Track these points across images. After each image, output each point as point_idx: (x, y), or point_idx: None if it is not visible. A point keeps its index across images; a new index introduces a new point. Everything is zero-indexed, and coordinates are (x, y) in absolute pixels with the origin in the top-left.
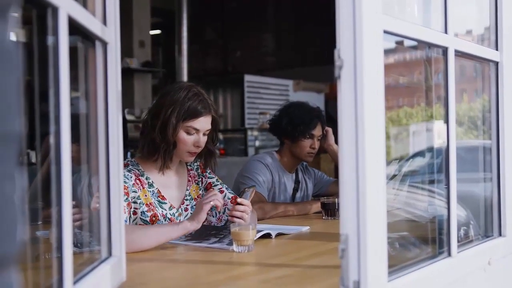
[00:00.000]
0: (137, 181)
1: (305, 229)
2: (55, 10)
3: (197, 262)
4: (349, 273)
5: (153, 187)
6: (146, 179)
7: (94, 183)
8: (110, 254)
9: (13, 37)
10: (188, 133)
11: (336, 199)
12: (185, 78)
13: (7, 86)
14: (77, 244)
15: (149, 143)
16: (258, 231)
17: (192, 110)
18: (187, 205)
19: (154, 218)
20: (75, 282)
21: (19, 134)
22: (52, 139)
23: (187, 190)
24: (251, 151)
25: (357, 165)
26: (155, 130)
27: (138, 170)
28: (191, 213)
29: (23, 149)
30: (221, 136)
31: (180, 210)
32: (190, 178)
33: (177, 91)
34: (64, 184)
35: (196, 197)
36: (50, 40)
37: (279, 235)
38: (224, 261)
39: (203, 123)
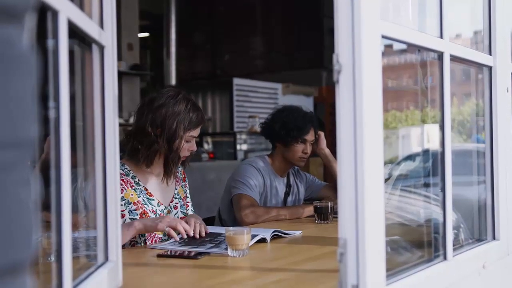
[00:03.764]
0: (121, 181)
1: (298, 233)
2: (55, 13)
3: (193, 267)
4: (347, 277)
5: (140, 185)
6: (132, 178)
7: (87, 186)
8: (106, 259)
9: (28, 42)
10: (188, 141)
11: (329, 203)
12: (173, 81)
13: (23, 91)
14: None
15: (153, 153)
16: (253, 236)
17: (195, 121)
18: (176, 203)
19: (144, 215)
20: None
21: (34, 139)
22: (51, 142)
23: (176, 189)
24: (240, 154)
25: (356, 170)
26: (158, 140)
27: (123, 170)
28: (180, 211)
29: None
30: (210, 140)
31: (169, 207)
32: (177, 179)
33: (176, 103)
34: (64, 189)
35: (183, 197)
36: (49, 43)
37: (275, 236)
38: (219, 266)
39: (199, 130)
